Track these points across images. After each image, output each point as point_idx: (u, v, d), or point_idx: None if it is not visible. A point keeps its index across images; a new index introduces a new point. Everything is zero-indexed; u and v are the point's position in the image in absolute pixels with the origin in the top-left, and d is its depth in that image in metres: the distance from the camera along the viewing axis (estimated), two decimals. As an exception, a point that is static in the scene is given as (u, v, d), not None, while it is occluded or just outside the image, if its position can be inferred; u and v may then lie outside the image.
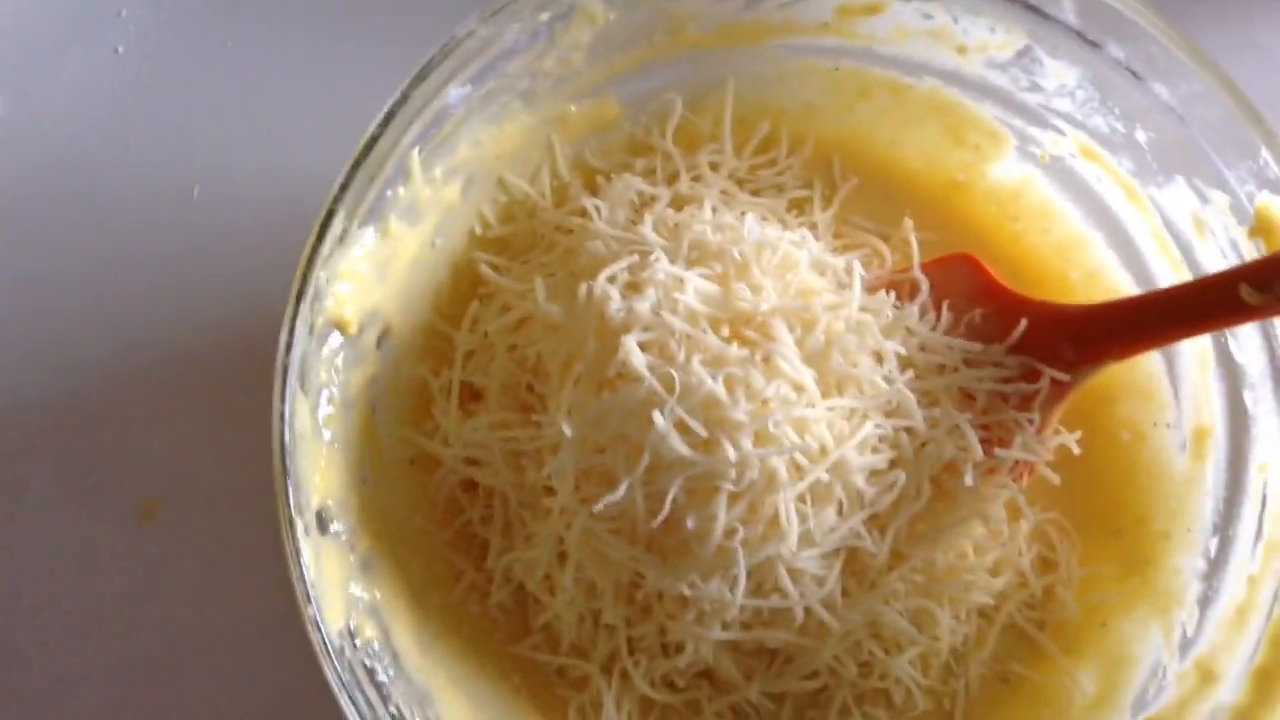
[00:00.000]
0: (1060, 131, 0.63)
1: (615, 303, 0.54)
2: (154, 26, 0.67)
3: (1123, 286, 0.64)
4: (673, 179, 0.63)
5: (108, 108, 0.66)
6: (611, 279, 0.55)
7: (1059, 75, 0.61)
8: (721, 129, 0.64)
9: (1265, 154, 0.56)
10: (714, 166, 0.64)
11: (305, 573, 0.48)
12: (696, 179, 0.63)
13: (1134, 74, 0.59)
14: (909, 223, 0.64)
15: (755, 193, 0.64)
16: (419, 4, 0.67)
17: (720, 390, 0.52)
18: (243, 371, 0.60)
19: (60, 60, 0.67)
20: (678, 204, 0.62)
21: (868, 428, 0.55)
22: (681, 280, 0.55)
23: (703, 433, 0.52)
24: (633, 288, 0.55)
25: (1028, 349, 0.59)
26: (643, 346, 0.53)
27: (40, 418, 0.62)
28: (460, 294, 0.61)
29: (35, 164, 0.66)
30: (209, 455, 0.62)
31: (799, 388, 0.54)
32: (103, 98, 0.66)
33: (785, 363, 0.54)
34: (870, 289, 0.60)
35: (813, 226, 0.64)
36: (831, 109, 0.65)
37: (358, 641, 0.50)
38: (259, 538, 0.57)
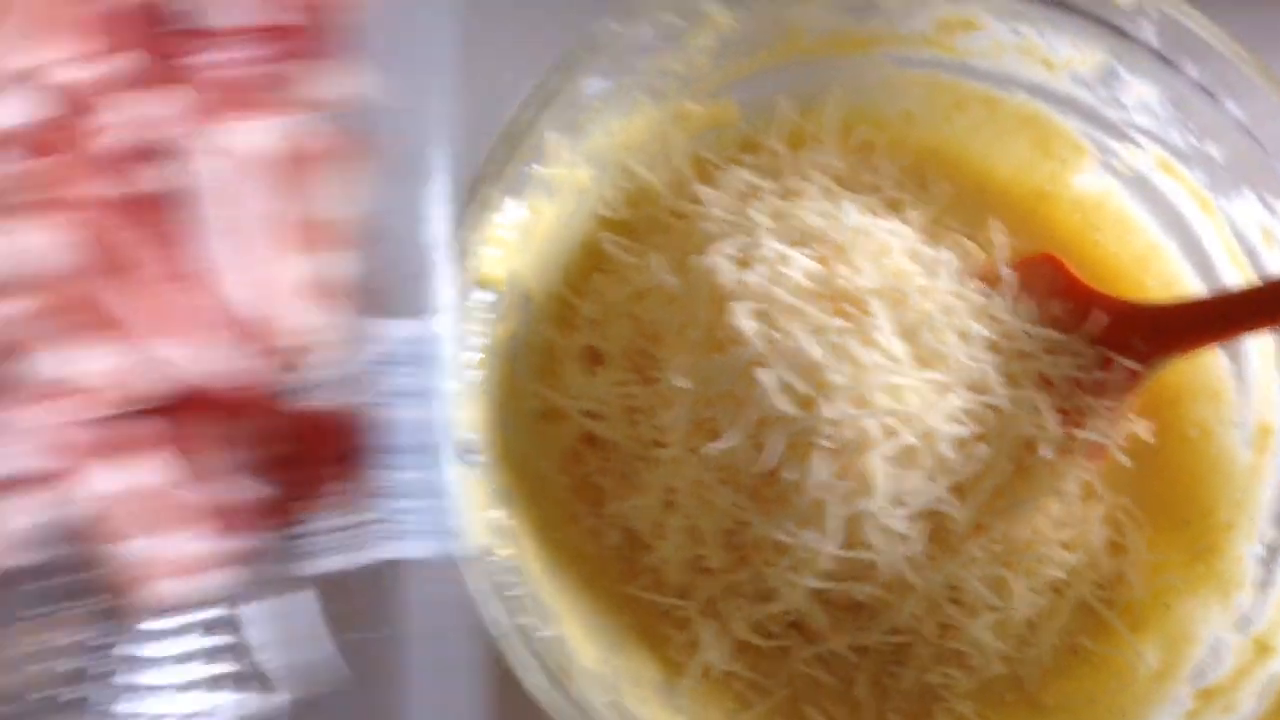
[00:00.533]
0: (1139, 145, 0.68)
1: (727, 274, 0.60)
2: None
3: (1194, 293, 0.69)
4: (779, 174, 0.69)
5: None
6: (724, 255, 0.62)
7: (1139, 92, 0.66)
8: (826, 132, 0.70)
9: (1326, 168, 0.62)
10: (818, 166, 0.69)
11: (451, 486, 0.54)
12: (801, 177, 0.69)
13: (1208, 92, 0.64)
14: (996, 223, 0.69)
15: (854, 192, 0.70)
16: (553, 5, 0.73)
17: (820, 354, 0.58)
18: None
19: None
20: (783, 197, 0.68)
21: (954, 400, 0.60)
22: (787, 257, 0.61)
23: (804, 390, 0.57)
24: (742, 264, 0.61)
25: (1104, 341, 0.64)
26: (751, 316, 0.59)
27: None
28: (587, 268, 0.67)
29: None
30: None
31: (893, 358, 0.60)
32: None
33: (880, 335, 0.59)
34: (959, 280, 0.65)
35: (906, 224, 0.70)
36: (929, 118, 0.71)
37: (494, 558, 0.56)
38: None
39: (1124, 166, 0.69)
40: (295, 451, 0.43)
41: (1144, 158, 0.68)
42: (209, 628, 0.44)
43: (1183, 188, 0.68)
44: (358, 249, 0.44)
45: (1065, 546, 0.65)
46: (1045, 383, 0.64)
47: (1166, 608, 0.66)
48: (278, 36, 0.42)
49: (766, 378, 0.57)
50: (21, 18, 0.35)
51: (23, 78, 0.36)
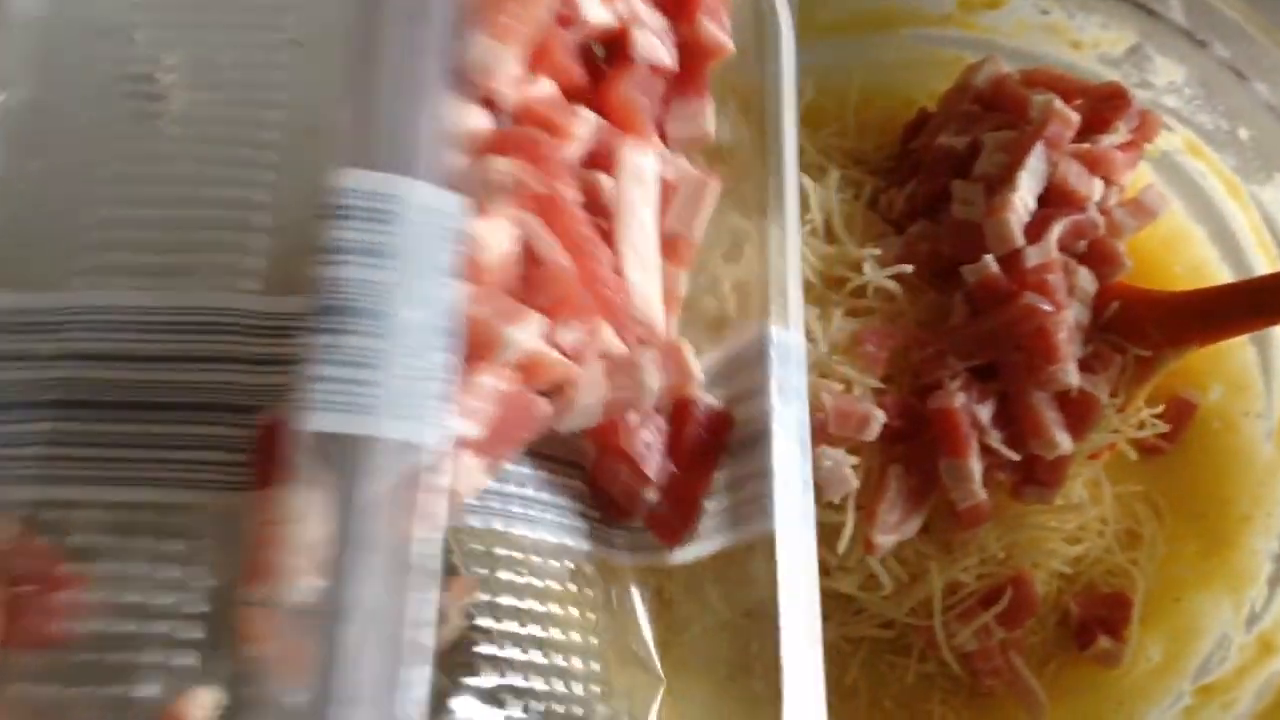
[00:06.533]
0: (1168, 128, 0.66)
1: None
2: None
3: (1222, 279, 0.67)
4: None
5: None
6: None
7: (1168, 73, 0.65)
8: (847, 110, 0.69)
9: (1355, 153, 0.60)
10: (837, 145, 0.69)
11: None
12: (821, 154, 0.68)
13: (1237, 73, 0.62)
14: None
15: (872, 172, 0.69)
16: None
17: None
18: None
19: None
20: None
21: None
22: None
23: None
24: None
25: (1118, 329, 0.63)
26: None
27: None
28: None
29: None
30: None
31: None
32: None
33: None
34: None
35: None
36: (955, 97, 0.70)
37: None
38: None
39: (1152, 149, 0.67)
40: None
41: (1172, 140, 0.67)
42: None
43: (1211, 171, 0.66)
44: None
45: (1070, 540, 0.64)
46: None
47: (1176, 600, 0.65)
48: (660, 75, 0.47)
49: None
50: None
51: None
